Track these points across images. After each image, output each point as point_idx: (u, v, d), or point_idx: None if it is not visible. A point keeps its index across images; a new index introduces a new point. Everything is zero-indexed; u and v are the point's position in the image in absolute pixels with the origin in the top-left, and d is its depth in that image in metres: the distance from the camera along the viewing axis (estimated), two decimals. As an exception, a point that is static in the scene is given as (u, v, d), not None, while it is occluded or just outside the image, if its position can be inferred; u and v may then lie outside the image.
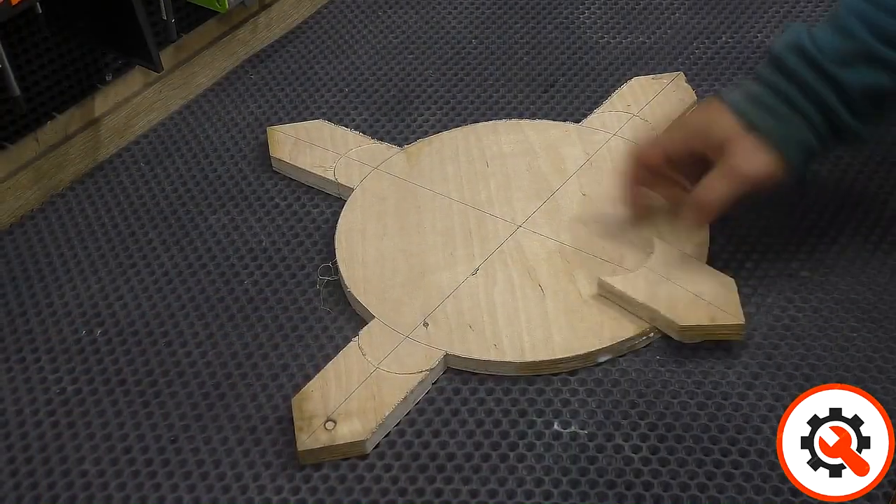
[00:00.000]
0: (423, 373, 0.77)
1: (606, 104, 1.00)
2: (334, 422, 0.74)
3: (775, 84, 0.79)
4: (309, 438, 0.73)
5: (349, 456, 0.74)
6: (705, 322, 0.78)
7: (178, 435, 0.76)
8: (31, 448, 0.76)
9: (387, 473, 0.73)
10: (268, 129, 1.00)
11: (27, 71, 0.93)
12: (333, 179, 0.94)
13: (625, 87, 1.02)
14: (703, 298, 0.79)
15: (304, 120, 1.03)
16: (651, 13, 1.15)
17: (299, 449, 0.73)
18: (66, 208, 0.96)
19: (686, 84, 1.01)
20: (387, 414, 0.75)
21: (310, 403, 0.76)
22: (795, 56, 0.78)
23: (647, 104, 0.98)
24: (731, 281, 0.81)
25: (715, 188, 0.79)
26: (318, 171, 0.95)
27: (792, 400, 0.75)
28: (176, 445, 0.75)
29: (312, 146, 0.97)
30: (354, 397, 0.76)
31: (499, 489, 0.71)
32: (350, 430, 0.74)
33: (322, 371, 0.78)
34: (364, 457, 0.74)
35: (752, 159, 0.78)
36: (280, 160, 0.97)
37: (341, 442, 0.73)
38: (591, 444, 0.74)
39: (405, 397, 0.76)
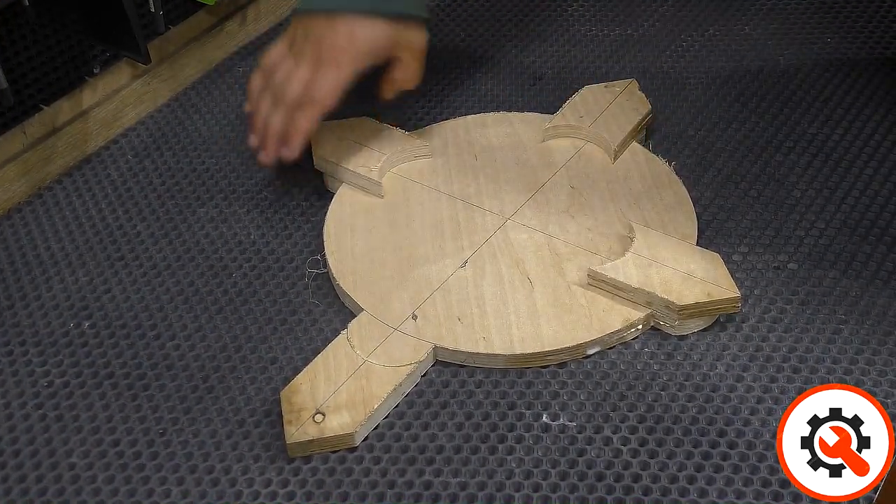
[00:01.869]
0: (412, 365, 0.77)
1: (558, 116, 0.97)
2: (323, 414, 0.74)
3: None
4: (298, 431, 0.73)
5: (338, 448, 0.74)
6: (703, 299, 0.78)
7: (167, 428, 0.76)
8: (19, 441, 0.76)
9: (376, 466, 0.73)
10: None
11: (14, 63, 0.93)
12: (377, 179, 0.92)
13: (576, 97, 0.99)
14: (695, 276, 0.79)
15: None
16: (639, 5, 1.15)
17: (288, 442, 0.73)
18: (54, 201, 0.96)
19: (639, 92, 0.99)
20: (375, 406, 0.75)
21: (298, 396, 0.76)
22: None
23: (600, 114, 0.96)
24: (716, 256, 0.82)
25: (409, 71, 0.90)
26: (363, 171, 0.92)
27: (779, 392, 0.75)
28: (165, 438, 0.75)
29: (356, 144, 0.94)
30: (343, 390, 0.76)
31: (488, 482, 0.71)
32: (339, 422, 0.74)
33: (311, 364, 0.78)
34: (353, 449, 0.74)
35: (416, 38, 0.90)
36: (323, 158, 0.94)
37: (330, 434, 0.73)
38: (580, 436, 0.74)
39: (394, 389, 0.76)
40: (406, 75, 0.91)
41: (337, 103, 0.88)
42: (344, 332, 0.80)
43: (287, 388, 0.76)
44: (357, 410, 0.74)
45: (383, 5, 0.87)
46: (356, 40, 0.86)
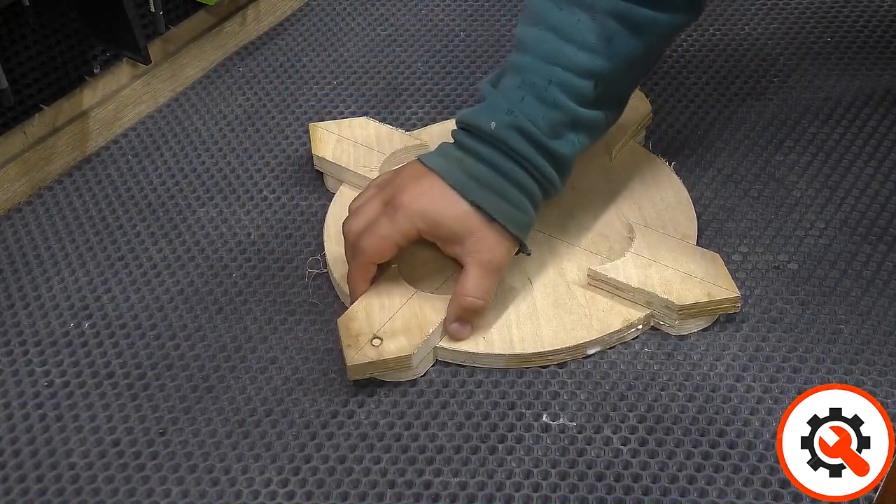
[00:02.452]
0: None
1: None
2: (380, 339, 0.76)
3: (502, 167, 0.77)
4: (357, 354, 0.76)
5: (396, 370, 0.77)
6: (703, 299, 0.78)
7: (167, 427, 0.76)
8: (19, 440, 0.76)
9: (376, 466, 0.73)
10: (310, 125, 0.98)
11: (14, 63, 0.93)
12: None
13: None
14: (694, 276, 0.79)
15: (293, 112, 1.03)
16: (639, 6, 1.15)
17: (348, 364, 0.75)
18: (54, 201, 0.96)
19: (639, 91, 0.97)
20: (430, 331, 0.77)
21: (355, 323, 0.78)
22: (519, 136, 0.76)
23: None
24: (716, 255, 0.82)
25: (479, 288, 0.77)
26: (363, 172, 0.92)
27: (779, 392, 0.75)
28: (165, 438, 0.75)
29: (356, 144, 0.95)
30: (398, 317, 0.78)
31: (488, 481, 0.71)
32: (396, 346, 0.76)
33: (364, 295, 0.80)
34: (353, 448, 0.74)
35: (499, 251, 0.78)
36: (322, 159, 0.95)
37: (388, 357, 0.76)
38: (580, 436, 0.74)
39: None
40: (466, 288, 0.77)
41: (384, 258, 0.79)
42: (394, 265, 0.81)
43: (343, 315, 0.78)
44: (413, 335, 0.77)
45: (477, 193, 0.77)
46: (422, 199, 0.77)
